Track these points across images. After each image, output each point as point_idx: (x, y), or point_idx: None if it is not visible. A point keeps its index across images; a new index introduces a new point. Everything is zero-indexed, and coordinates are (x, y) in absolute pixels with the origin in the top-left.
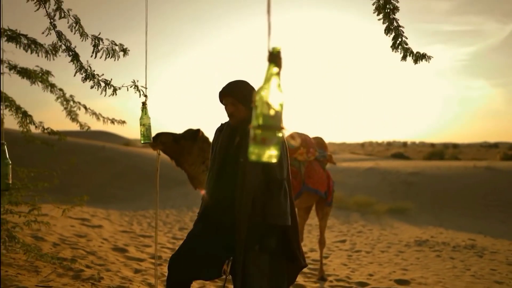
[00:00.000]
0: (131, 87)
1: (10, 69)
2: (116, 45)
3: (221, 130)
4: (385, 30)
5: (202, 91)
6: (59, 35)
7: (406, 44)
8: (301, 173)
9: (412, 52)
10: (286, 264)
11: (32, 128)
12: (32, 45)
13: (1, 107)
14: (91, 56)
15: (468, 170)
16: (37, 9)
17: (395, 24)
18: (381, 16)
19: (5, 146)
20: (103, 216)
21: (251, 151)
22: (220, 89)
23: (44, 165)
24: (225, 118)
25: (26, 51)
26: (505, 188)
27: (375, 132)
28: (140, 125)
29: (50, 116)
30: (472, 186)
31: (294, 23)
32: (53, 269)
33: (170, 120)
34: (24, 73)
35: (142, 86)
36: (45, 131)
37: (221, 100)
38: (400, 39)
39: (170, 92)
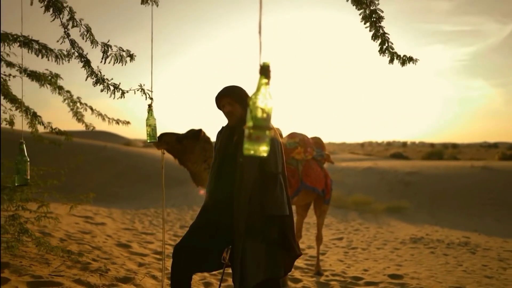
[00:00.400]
0: (138, 90)
1: (20, 72)
2: (123, 51)
3: (221, 132)
4: (372, 36)
5: (202, 91)
6: (72, 43)
7: (393, 48)
8: (298, 171)
9: (398, 55)
10: (282, 253)
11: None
12: (43, 50)
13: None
14: (101, 62)
15: (465, 170)
16: (53, 20)
17: (381, 31)
18: (368, 24)
19: (24, 145)
20: (106, 214)
21: (246, 147)
22: (217, 93)
23: (46, 165)
24: (224, 120)
25: (38, 55)
26: (501, 188)
27: (375, 132)
28: (146, 125)
29: (50, 116)
30: (469, 185)
31: (294, 23)
32: (62, 261)
33: (170, 120)
34: (34, 76)
35: (148, 90)
36: (53, 131)
37: (219, 103)
38: (386, 44)
39: (170, 92)
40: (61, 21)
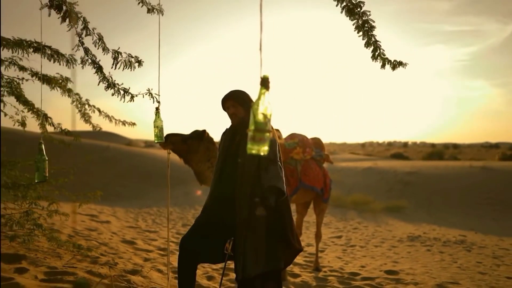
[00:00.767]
0: (146, 94)
1: (32, 76)
2: (132, 57)
3: (225, 133)
4: (365, 44)
5: (202, 91)
6: (86, 51)
7: (384, 55)
8: (297, 171)
9: (389, 61)
10: (282, 247)
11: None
12: (55, 55)
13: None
14: (112, 67)
15: (464, 170)
16: (69, 30)
17: (373, 39)
18: (360, 33)
19: (43, 145)
20: (110, 213)
21: (249, 147)
22: (222, 97)
23: (51, 164)
24: (226, 121)
25: (50, 60)
26: (499, 187)
27: (376, 133)
28: (154, 127)
29: (50, 115)
30: (467, 185)
31: (294, 23)
32: (72, 255)
33: (170, 120)
34: (46, 79)
35: (155, 94)
36: (63, 131)
37: (224, 105)
38: (378, 51)
39: (170, 92)
40: (76, 31)
